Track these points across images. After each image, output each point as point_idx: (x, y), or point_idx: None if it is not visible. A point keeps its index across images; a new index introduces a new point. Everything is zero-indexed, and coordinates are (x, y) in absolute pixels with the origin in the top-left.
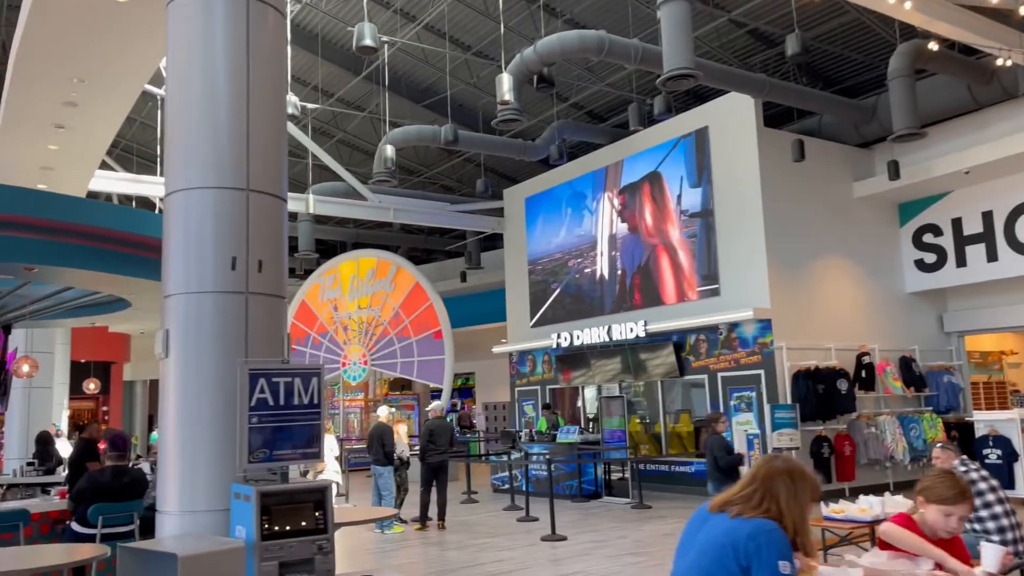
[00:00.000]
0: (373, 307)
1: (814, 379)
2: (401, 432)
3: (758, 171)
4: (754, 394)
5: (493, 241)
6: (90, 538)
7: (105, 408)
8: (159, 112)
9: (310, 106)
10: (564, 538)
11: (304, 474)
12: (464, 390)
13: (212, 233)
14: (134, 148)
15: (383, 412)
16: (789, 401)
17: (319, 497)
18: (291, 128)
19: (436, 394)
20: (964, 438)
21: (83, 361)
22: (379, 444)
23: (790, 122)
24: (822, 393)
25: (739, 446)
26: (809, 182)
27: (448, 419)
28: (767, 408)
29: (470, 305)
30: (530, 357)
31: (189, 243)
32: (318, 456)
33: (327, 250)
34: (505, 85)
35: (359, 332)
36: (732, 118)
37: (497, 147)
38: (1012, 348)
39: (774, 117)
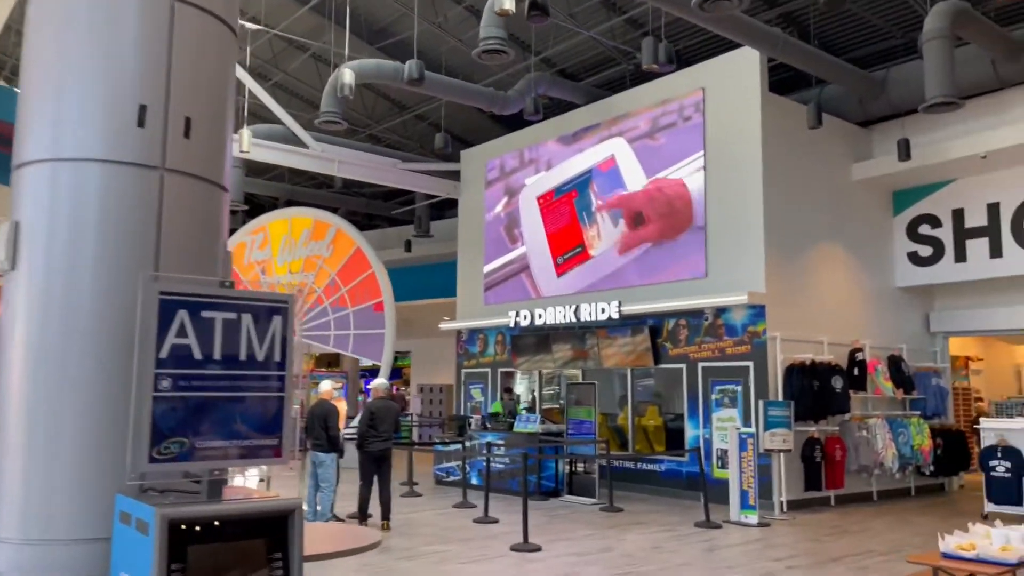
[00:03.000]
0: (306, 272)
1: (809, 374)
2: (342, 413)
3: (760, 140)
4: (740, 388)
5: (442, 210)
6: None
7: None
8: None
9: (249, 26)
10: (538, 548)
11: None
12: (395, 371)
13: (103, 58)
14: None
15: (326, 387)
16: (780, 397)
17: (277, 528)
18: None
19: (365, 373)
20: (948, 446)
21: None
22: (322, 426)
23: (788, 94)
24: (817, 390)
25: (730, 446)
26: (811, 159)
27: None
28: (757, 404)
29: (413, 278)
30: (481, 336)
31: (65, 76)
32: (278, 452)
33: (255, 209)
34: None
35: None
36: (734, 80)
37: (466, 94)
38: (977, 354)
39: (771, 88)
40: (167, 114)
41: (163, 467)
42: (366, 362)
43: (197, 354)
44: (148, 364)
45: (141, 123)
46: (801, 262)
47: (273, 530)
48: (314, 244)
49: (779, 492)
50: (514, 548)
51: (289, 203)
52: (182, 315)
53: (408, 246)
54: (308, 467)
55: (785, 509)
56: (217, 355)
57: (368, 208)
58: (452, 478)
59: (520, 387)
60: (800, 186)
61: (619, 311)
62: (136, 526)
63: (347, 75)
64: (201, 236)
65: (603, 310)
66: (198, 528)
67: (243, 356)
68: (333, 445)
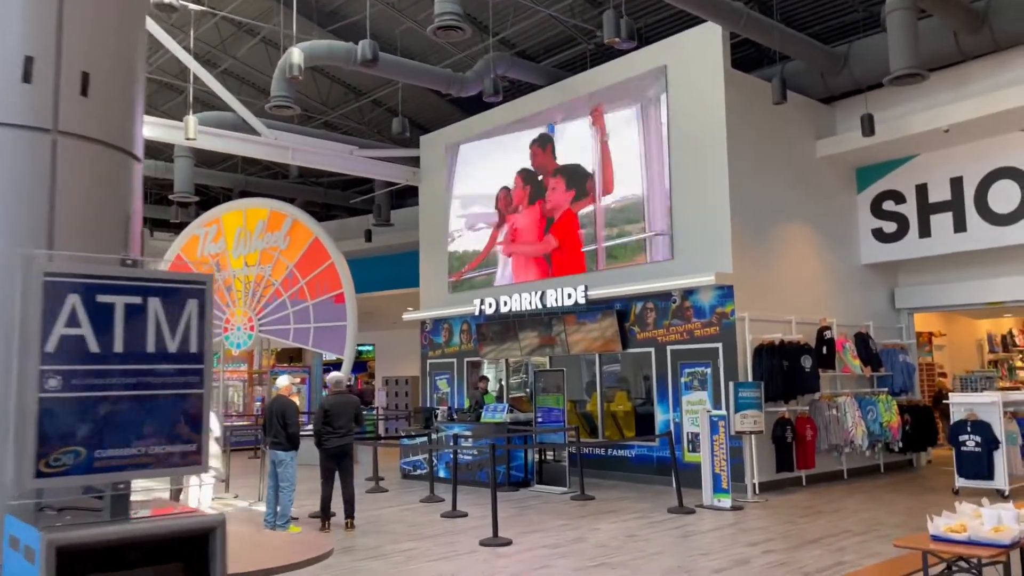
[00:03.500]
0: (263, 265)
1: (779, 354)
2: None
3: (724, 118)
4: (709, 370)
5: (403, 199)
6: None
7: None
8: None
9: (193, 7)
10: (508, 542)
11: (177, 493)
12: (359, 363)
13: None
14: None
15: (284, 382)
16: (750, 378)
17: (196, 549)
18: (168, 42)
19: (329, 368)
20: (916, 422)
21: None
22: (280, 423)
23: (751, 72)
24: (786, 370)
25: (701, 430)
26: (775, 136)
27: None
28: (727, 386)
29: (374, 268)
30: (446, 326)
31: None
32: (196, 458)
33: (208, 201)
34: None
35: (245, 293)
36: (695, 56)
37: (422, 76)
38: (940, 329)
39: (733, 66)
40: (59, 68)
41: (54, 482)
42: (330, 356)
43: (93, 347)
44: (32, 360)
45: (27, 78)
46: (768, 241)
47: (191, 552)
48: (270, 235)
49: (751, 474)
50: (484, 543)
51: (244, 194)
52: (73, 300)
53: (368, 236)
54: (268, 467)
55: (758, 491)
56: (119, 347)
57: (326, 198)
58: (419, 472)
59: (488, 374)
60: (765, 164)
61: (585, 296)
62: (24, 553)
63: (296, 55)
64: (105, 210)
65: (569, 295)
66: (99, 553)
67: (151, 348)
68: (292, 443)
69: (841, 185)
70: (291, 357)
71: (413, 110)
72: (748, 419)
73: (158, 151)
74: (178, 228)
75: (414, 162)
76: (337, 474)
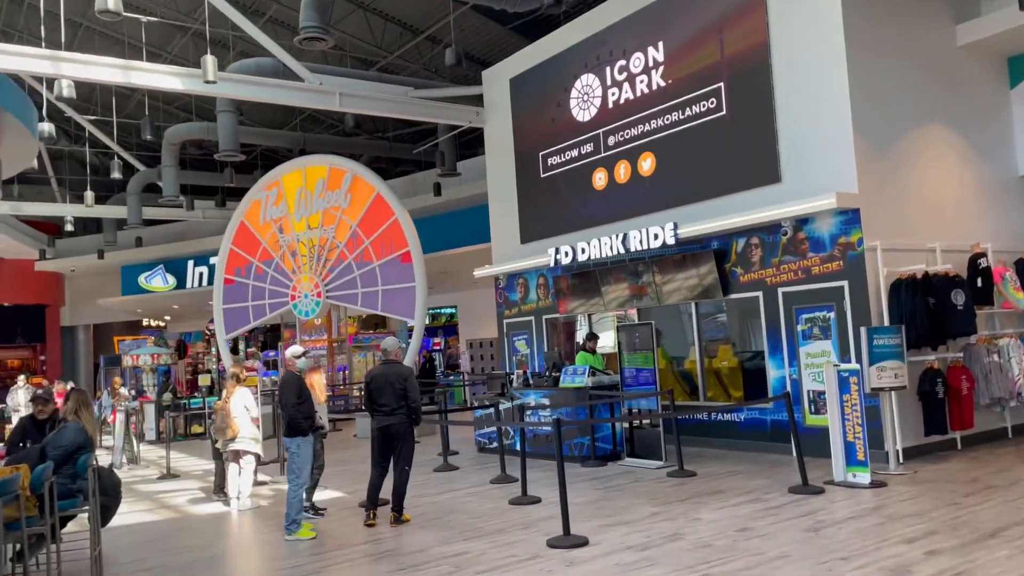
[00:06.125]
0: (326, 226)
1: (923, 290)
2: (318, 386)
3: (840, 1)
4: (833, 314)
5: (473, 148)
6: None
7: (43, 357)
8: None
9: None
10: (584, 541)
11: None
12: (449, 327)
13: None
14: None
15: (294, 352)
16: (887, 322)
17: None
18: None
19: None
20: None
21: (6, 305)
22: (294, 402)
23: None
24: (933, 309)
25: (828, 388)
26: (902, 21)
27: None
28: (857, 333)
29: (447, 225)
30: (521, 280)
31: None
32: None
33: (271, 164)
34: None
35: (310, 257)
36: None
37: None
38: None
39: None
40: None
41: None
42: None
43: None
44: None
45: None
46: (900, 152)
47: None
48: (331, 194)
49: (893, 440)
50: (552, 543)
51: (303, 154)
52: None
53: (437, 189)
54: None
55: (902, 460)
56: None
57: (392, 151)
58: (493, 445)
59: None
60: (893, 57)
61: (675, 235)
62: None
63: None
64: None
65: (656, 236)
66: None
67: None
68: (292, 428)
69: (989, 78)
70: (376, 324)
71: (473, 44)
72: (887, 372)
73: (208, 112)
74: (233, 193)
75: (477, 101)
76: (392, 458)
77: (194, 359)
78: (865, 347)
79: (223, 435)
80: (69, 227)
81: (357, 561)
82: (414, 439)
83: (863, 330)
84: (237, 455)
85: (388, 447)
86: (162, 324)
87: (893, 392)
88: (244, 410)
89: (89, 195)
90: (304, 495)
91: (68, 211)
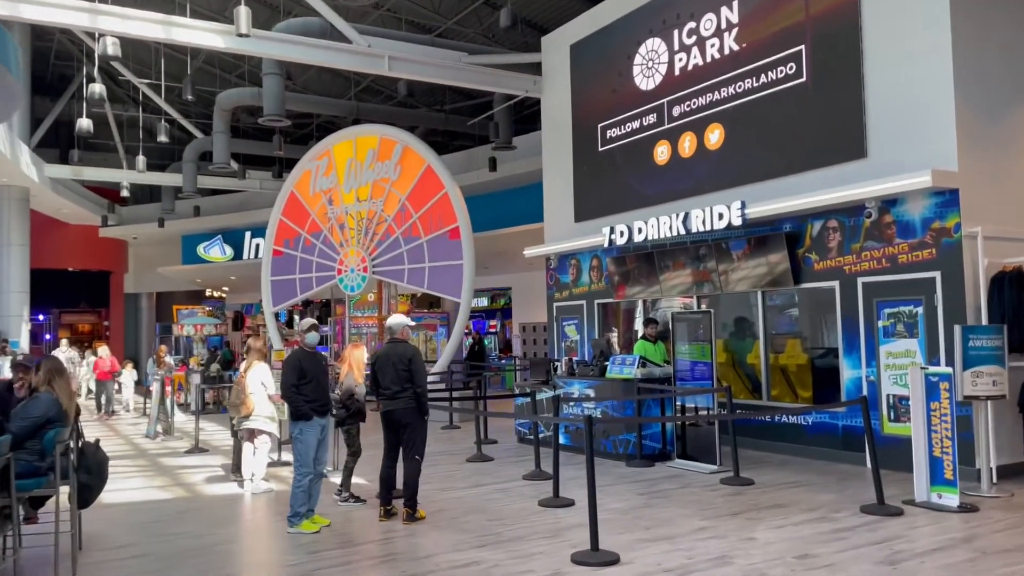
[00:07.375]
0: (375, 199)
1: None
2: (356, 365)
3: None
4: (922, 309)
5: (533, 124)
6: None
7: (107, 323)
8: None
9: None
10: (614, 559)
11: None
12: (506, 310)
13: None
14: None
15: (304, 325)
16: (984, 320)
17: None
18: None
19: (476, 315)
20: None
21: (71, 270)
22: (293, 383)
23: None
24: None
25: (912, 393)
26: None
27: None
28: (950, 332)
29: (503, 203)
30: (573, 261)
31: None
32: None
33: (325, 133)
34: None
35: (358, 231)
36: None
37: None
38: None
39: None
40: None
41: None
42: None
43: None
44: None
45: None
46: (1010, 125)
47: None
48: (380, 165)
49: (988, 457)
50: (577, 559)
51: (356, 123)
52: None
53: (493, 164)
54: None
55: (996, 480)
56: None
57: (447, 124)
58: (539, 435)
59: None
60: (1005, 14)
61: (742, 215)
62: None
63: None
64: None
65: (720, 216)
66: None
67: None
68: (293, 412)
69: None
70: (431, 303)
71: (533, 10)
72: (984, 378)
73: (257, 78)
74: (280, 164)
75: (535, 70)
76: (401, 448)
77: (254, 331)
78: (959, 348)
79: (237, 412)
80: (124, 193)
81: (353, 564)
82: (425, 426)
83: (957, 329)
84: (252, 434)
85: (394, 435)
86: (223, 295)
87: (989, 401)
88: (261, 387)
89: (141, 160)
90: (338, 483)
91: (124, 177)
